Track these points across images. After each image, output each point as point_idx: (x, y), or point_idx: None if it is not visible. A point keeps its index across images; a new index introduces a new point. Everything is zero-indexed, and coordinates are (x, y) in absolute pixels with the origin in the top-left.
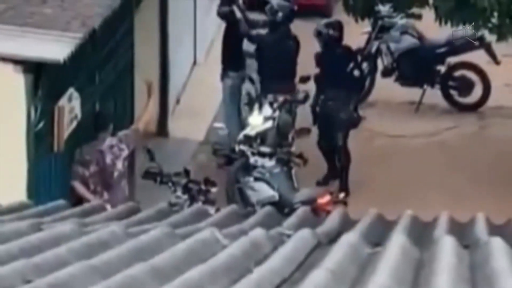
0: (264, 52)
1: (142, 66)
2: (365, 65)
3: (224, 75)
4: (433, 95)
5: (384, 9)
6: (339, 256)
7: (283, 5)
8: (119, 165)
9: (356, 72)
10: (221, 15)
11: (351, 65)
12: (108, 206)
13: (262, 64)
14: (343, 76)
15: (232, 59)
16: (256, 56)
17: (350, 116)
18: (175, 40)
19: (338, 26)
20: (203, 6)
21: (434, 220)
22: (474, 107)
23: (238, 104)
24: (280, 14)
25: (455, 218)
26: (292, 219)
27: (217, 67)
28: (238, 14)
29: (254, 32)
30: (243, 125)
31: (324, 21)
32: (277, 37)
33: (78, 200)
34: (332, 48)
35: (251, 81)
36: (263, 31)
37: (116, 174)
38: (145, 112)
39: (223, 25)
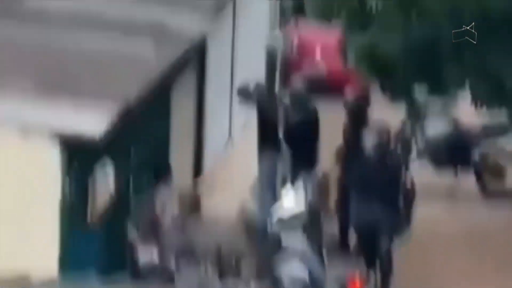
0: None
1: (177, 141)
2: (399, 148)
3: (261, 154)
4: (467, 180)
5: (420, 93)
6: None
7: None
8: (168, 218)
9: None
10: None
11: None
12: (155, 256)
13: (291, 145)
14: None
15: (268, 138)
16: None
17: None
18: (211, 117)
19: (367, 99)
20: (240, 83)
21: None
22: (507, 194)
23: (273, 184)
24: (301, 87)
25: None
26: None
27: (252, 145)
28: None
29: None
30: (276, 205)
31: (355, 93)
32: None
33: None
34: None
35: (285, 162)
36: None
37: (164, 226)
38: (206, 179)
39: None
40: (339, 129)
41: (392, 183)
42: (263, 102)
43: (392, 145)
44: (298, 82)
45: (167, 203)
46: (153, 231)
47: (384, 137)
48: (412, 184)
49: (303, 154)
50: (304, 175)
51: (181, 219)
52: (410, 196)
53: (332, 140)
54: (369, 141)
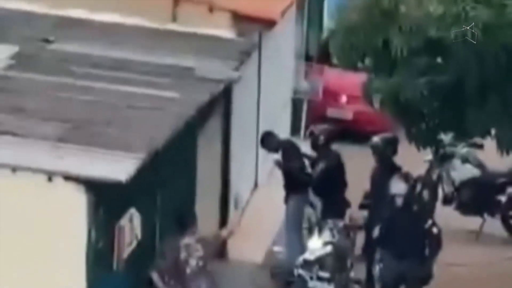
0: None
1: (203, 187)
2: (425, 193)
3: (287, 198)
4: (494, 224)
5: (446, 138)
6: None
7: (325, 128)
8: (193, 263)
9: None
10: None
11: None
12: None
13: (318, 191)
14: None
15: (295, 182)
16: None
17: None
18: (237, 163)
19: (394, 142)
20: (266, 129)
21: None
22: None
23: (300, 228)
24: (322, 137)
25: None
26: None
27: (278, 190)
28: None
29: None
30: (303, 249)
31: (383, 135)
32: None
33: None
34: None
35: (312, 206)
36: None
37: (188, 271)
38: (232, 224)
39: None
40: (368, 173)
41: (418, 231)
42: (287, 151)
43: (417, 193)
44: (319, 132)
45: (192, 249)
46: (177, 277)
47: (410, 185)
48: (439, 231)
49: (330, 199)
50: (331, 219)
51: (206, 264)
52: (436, 244)
53: (361, 184)
54: (395, 189)
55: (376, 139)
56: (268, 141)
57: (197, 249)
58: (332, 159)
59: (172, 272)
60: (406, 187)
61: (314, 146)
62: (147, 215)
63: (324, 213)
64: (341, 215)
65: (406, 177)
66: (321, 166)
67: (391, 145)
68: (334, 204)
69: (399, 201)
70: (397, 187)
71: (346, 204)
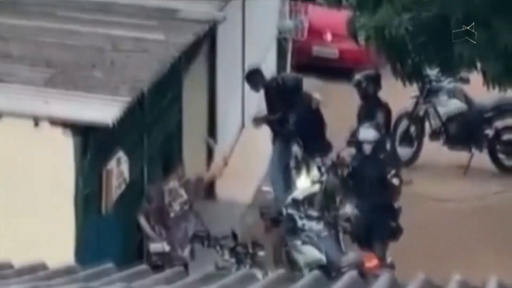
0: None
1: (190, 129)
2: (413, 129)
3: (275, 137)
4: (481, 158)
5: (432, 73)
6: None
7: (291, 76)
8: (176, 207)
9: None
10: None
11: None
12: (165, 245)
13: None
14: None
15: (280, 123)
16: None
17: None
18: (223, 104)
19: (377, 78)
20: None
21: (483, 285)
22: None
23: (286, 166)
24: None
25: (504, 283)
26: (339, 284)
27: (265, 129)
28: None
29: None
30: (290, 187)
31: (364, 72)
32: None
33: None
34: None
35: (299, 144)
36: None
37: (172, 215)
38: (215, 166)
39: None
40: (356, 110)
41: (380, 179)
42: (271, 89)
43: (404, 130)
44: (286, 80)
45: (176, 194)
46: (161, 221)
47: (380, 133)
48: (400, 182)
49: (311, 141)
50: (318, 158)
51: (191, 207)
52: (394, 194)
53: (349, 121)
54: (363, 135)
55: (357, 76)
56: (254, 78)
57: (181, 194)
58: (304, 104)
59: (156, 216)
60: (376, 134)
61: (286, 94)
62: (134, 158)
63: (310, 154)
64: (327, 154)
65: (376, 125)
66: (293, 116)
67: (373, 81)
68: (315, 146)
69: (367, 149)
70: (366, 134)
71: (327, 145)
